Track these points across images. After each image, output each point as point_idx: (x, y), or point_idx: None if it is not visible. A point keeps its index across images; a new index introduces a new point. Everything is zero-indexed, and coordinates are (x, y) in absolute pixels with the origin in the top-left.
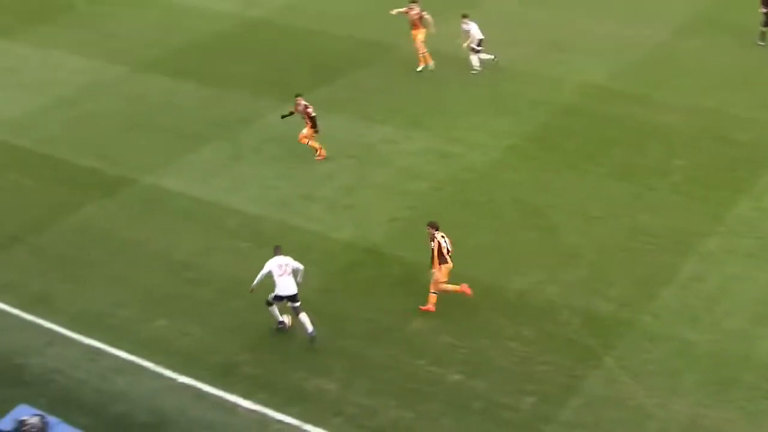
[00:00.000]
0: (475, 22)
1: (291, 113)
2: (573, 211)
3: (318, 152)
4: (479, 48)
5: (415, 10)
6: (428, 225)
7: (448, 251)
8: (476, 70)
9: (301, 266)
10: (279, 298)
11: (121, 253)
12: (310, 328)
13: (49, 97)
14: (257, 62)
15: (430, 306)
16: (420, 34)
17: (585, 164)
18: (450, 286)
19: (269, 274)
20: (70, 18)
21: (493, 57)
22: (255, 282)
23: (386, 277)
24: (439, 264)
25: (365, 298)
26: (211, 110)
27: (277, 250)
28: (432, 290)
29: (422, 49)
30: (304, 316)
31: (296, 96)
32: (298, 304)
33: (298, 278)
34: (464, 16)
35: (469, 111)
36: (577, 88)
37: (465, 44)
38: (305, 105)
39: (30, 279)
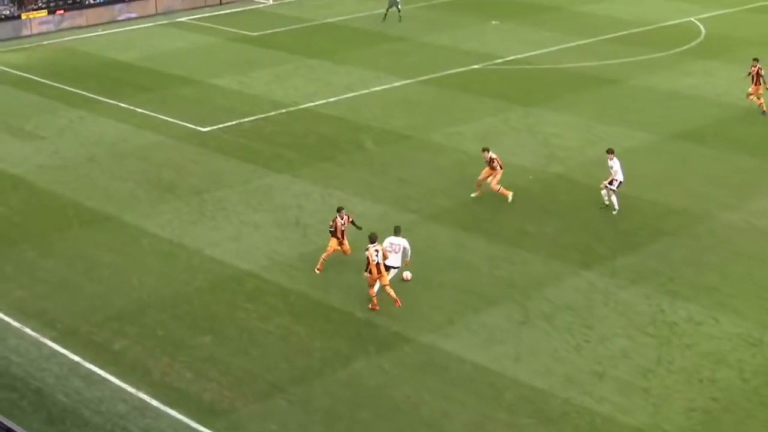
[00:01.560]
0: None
1: None
2: None
3: None
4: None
5: None
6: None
7: (377, 264)
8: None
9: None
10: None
11: (391, 416)
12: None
13: (325, 240)
14: (556, 222)
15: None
16: None
17: None
18: (373, 291)
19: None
20: (357, 157)
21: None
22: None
23: None
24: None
25: None
26: (500, 269)
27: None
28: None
29: None
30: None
31: None
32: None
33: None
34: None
35: None
36: None
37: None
38: None
39: None
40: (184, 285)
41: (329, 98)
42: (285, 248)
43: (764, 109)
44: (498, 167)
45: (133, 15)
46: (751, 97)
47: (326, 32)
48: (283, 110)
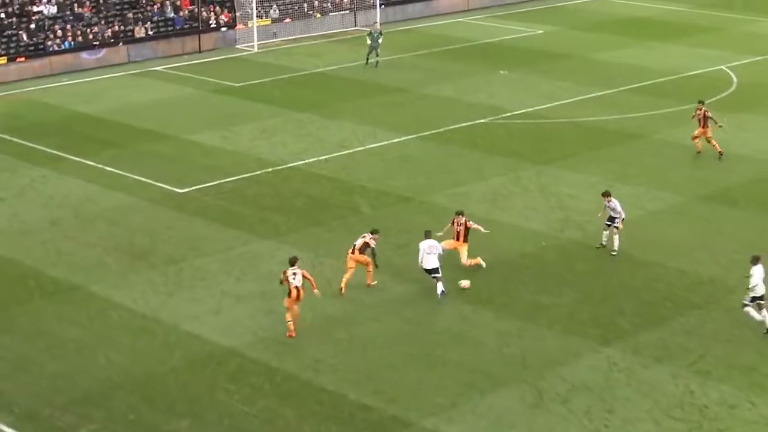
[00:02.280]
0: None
1: None
2: None
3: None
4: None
5: None
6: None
7: (296, 288)
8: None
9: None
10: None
11: None
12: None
13: (317, 316)
14: (572, 293)
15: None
16: None
17: None
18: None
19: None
20: (351, 222)
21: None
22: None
23: None
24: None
25: None
26: (510, 346)
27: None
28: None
29: None
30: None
31: None
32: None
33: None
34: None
35: None
36: None
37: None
38: None
39: None
40: (158, 364)
41: (320, 156)
42: (271, 323)
43: (719, 150)
44: (462, 239)
45: (101, 53)
46: (696, 140)
47: (316, 83)
48: (270, 169)
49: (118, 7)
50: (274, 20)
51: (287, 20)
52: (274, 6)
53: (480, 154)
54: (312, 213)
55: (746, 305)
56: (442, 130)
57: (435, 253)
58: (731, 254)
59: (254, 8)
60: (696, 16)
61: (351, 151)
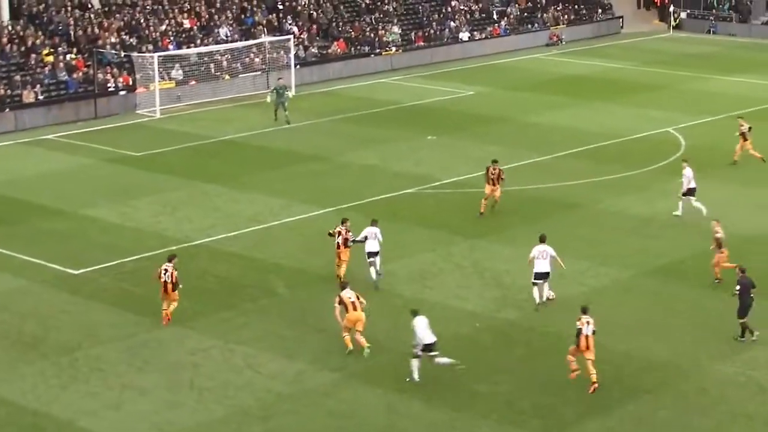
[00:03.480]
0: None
1: None
2: None
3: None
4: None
5: None
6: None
7: (165, 283)
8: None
9: None
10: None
11: None
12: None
13: (230, 408)
14: (511, 380)
15: None
16: None
17: None
18: None
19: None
20: (266, 305)
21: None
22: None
23: None
24: None
25: None
26: None
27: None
28: None
29: None
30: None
31: None
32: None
33: None
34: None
35: None
36: None
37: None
38: None
39: None
40: None
41: (230, 232)
42: (178, 417)
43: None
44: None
45: None
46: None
47: (225, 151)
48: (174, 247)
49: (4, 69)
50: (178, 83)
51: (192, 83)
52: (178, 67)
53: (407, 228)
54: (222, 295)
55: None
56: (364, 201)
57: (376, 239)
58: (683, 335)
59: (156, 70)
60: (640, 74)
61: (264, 226)
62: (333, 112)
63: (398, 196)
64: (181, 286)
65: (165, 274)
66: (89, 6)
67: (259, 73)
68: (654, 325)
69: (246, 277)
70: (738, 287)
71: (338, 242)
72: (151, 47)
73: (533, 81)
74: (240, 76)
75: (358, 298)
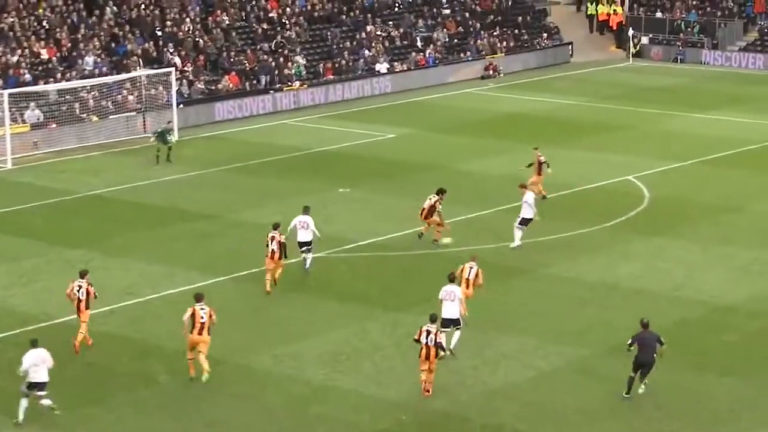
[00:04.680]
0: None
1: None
2: None
3: None
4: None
5: None
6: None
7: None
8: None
9: None
10: None
11: None
12: None
13: None
14: None
15: None
16: None
17: None
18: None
19: None
20: (144, 396)
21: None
22: None
23: None
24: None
25: None
26: None
27: None
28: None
29: None
30: None
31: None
32: None
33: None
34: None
35: None
36: None
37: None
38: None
39: None
40: None
41: (99, 308)
42: None
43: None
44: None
45: None
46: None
47: (93, 209)
48: (31, 327)
49: None
50: (33, 126)
51: (52, 126)
52: (33, 106)
53: (315, 300)
54: (90, 385)
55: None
56: (257, 270)
57: (309, 228)
58: (650, 422)
59: (6, 110)
60: (594, 111)
61: (141, 299)
62: (223, 160)
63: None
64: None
65: (79, 290)
66: None
67: (134, 113)
68: (615, 412)
69: (119, 363)
70: (630, 342)
71: (273, 249)
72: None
73: (465, 121)
74: (110, 117)
75: (210, 317)
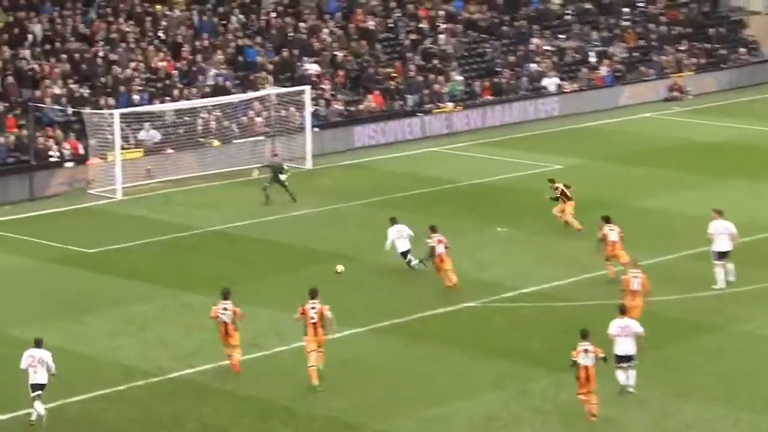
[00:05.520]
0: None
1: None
2: None
3: None
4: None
5: None
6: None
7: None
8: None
9: None
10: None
11: None
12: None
13: None
14: None
15: None
16: None
17: None
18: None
19: None
20: None
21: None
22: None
23: None
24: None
25: None
26: None
27: None
28: None
29: None
30: None
31: None
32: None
33: None
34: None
35: None
36: None
37: None
38: None
39: None
40: None
41: (220, 361)
42: None
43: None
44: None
45: None
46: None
47: (213, 247)
48: (140, 382)
49: None
50: (147, 151)
51: (168, 151)
52: (148, 127)
53: (467, 356)
54: None
55: None
56: (400, 320)
57: (406, 237)
58: None
59: (117, 132)
60: None
61: (268, 352)
62: (362, 192)
63: (454, 311)
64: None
65: (224, 313)
66: (26, 38)
67: (261, 137)
68: None
69: (238, 425)
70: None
71: (436, 249)
72: (111, 101)
73: (645, 150)
74: (234, 141)
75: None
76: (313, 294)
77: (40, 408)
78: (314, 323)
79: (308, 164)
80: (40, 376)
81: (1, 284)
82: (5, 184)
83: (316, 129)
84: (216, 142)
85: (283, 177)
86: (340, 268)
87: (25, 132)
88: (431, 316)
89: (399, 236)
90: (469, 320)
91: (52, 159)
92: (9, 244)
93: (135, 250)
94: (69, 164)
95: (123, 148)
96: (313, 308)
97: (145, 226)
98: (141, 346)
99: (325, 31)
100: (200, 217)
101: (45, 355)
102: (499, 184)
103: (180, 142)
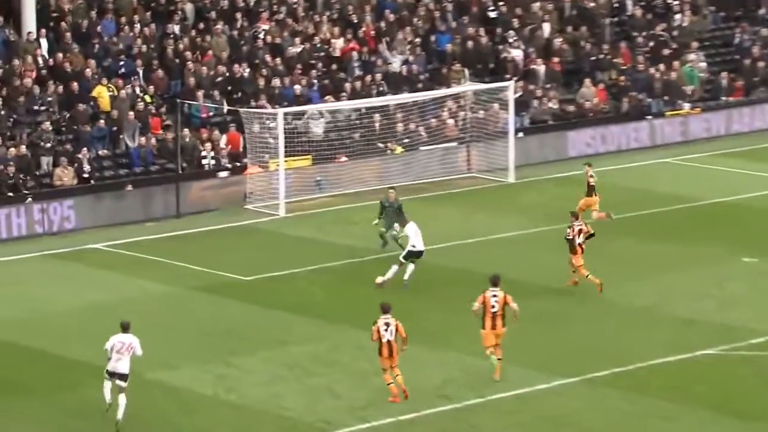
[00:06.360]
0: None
1: None
2: None
3: None
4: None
5: None
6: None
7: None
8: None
9: None
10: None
11: None
12: None
13: None
14: None
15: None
16: None
17: None
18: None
19: None
20: None
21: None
22: None
23: None
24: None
25: None
26: None
27: None
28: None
29: None
30: None
31: None
32: None
33: None
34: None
35: None
36: None
37: None
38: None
39: None
40: None
41: (403, 413)
42: None
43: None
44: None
45: None
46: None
47: (396, 276)
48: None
49: (24, 125)
50: (316, 159)
51: (342, 159)
52: (320, 124)
53: (703, 416)
54: None
55: None
56: (621, 369)
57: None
58: None
59: (281, 134)
60: None
61: (458, 405)
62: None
63: (688, 360)
64: (405, 347)
65: (386, 329)
66: (176, 17)
67: (454, 144)
68: None
69: None
70: None
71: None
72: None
73: None
74: (420, 149)
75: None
76: (494, 281)
77: (122, 400)
78: (495, 313)
79: (511, 177)
80: (122, 365)
81: (140, 318)
82: (148, 196)
83: (520, 134)
84: (398, 149)
85: (395, 233)
86: (380, 279)
87: (171, 134)
88: (660, 365)
89: (415, 234)
90: (708, 372)
91: (207, 167)
92: (150, 268)
93: (300, 278)
94: (223, 174)
95: (288, 155)
96: (494, 296)
97: (314, 249)
98: (306, 396)
99: (536, 5)
100: (377, 238)
101: (135, 342)
102: (747, 203)
103: (355, 148)
